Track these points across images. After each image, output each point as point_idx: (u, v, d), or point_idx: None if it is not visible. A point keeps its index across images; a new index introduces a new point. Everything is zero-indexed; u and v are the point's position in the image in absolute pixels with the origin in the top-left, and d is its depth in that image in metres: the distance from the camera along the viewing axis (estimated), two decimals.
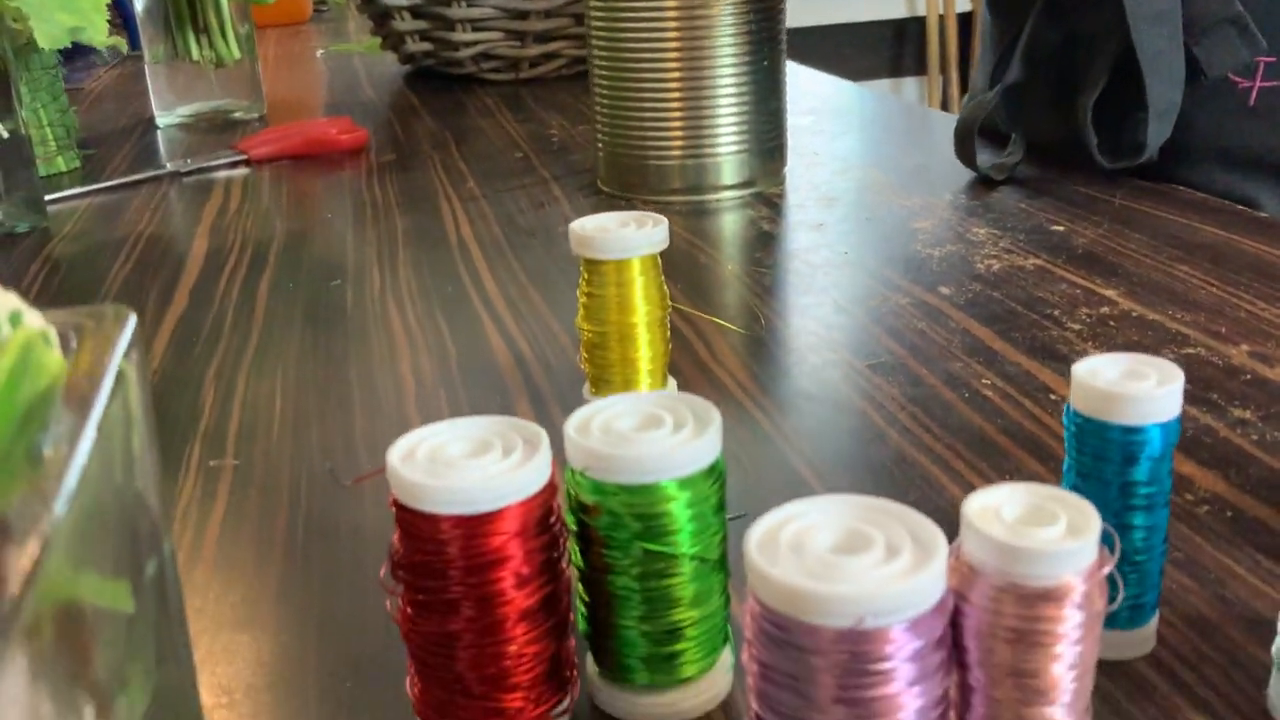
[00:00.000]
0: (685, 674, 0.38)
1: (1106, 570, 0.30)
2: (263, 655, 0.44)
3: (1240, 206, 0.91)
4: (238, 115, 1.51)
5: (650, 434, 0.37)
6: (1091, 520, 0.30)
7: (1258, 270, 0.77)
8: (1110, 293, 0.75)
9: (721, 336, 0.73)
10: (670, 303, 0.61)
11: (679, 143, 1.03)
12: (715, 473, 0.37)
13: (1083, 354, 0.66)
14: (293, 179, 1.21)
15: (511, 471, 0.35)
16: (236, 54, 1.48)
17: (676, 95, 1.01)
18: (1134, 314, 0.71)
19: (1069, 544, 0.30)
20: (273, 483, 0.56)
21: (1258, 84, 0.92)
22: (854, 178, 1.09)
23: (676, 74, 1.00)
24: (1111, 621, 0.40)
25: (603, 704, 0.39)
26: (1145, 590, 0.40)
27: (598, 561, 0.37)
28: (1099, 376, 0.38)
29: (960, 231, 0.92)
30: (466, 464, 0.36)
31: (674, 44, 1.00)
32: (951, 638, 0.31)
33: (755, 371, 0.68)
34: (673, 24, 0.99)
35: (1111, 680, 0.39)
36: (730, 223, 0.99)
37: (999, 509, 0.31)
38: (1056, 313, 0.72)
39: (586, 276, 0.59)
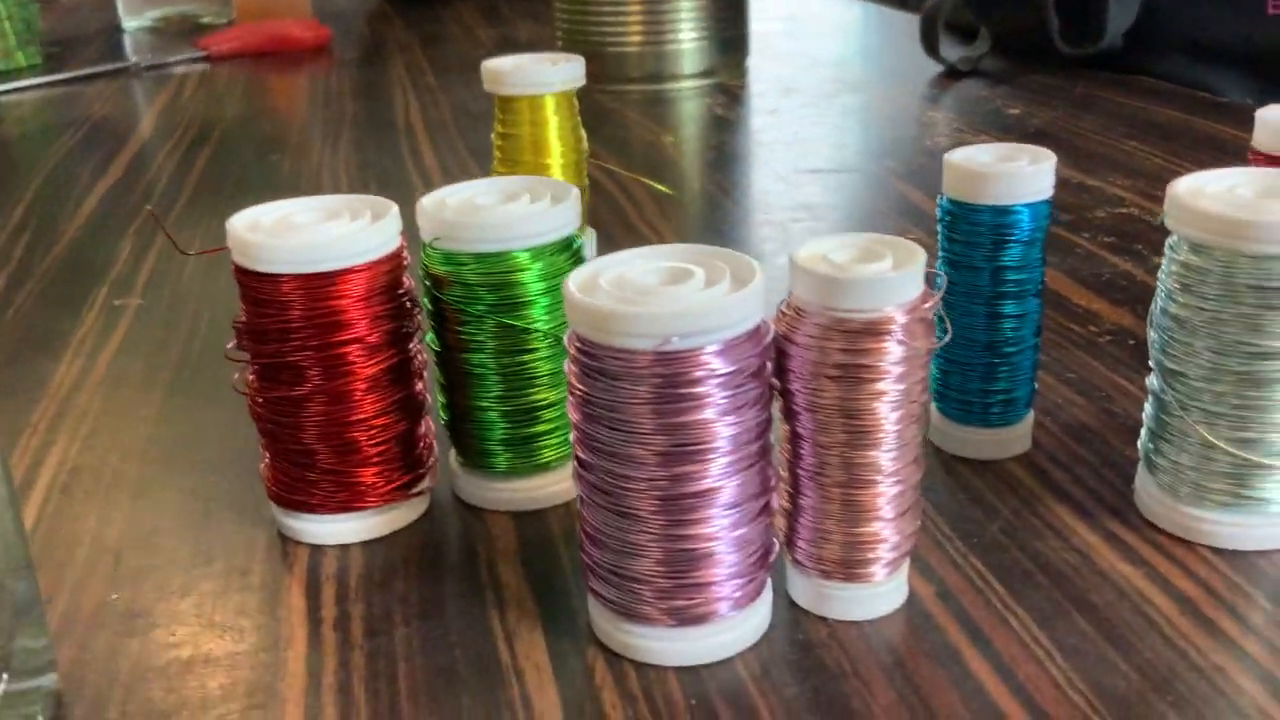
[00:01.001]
0: (544, 459, 0.38)
1: (930, 306, 0.29)
2: (132, 446, 0.43)
3: (1201, 93, 0.89)
4: (206, 20, 1.49)
5: (504, 206, 0.36)
6: (915, 256, 0.29)
7: (1208, 145, 0.76)
8: None
9: (652, 201, 0.71)
10: (587, 147, 0.60)
11: (637, 30, 1.01)
12: (570, 248, 0.36)
13: None
14: (251, 73, 1.20)
15: (355, 234, 0.34)
16: None
17: None
18: (1074, 180, 0.70)
19: (888, 276, 0.28)
20: (174, 319, 0.55)
21: None
22: (819, 74, 1.07)
23: None
24: (984, 418, 0.39)
25: (463, 493, 0.39)
26: (1017, 385, 0.39)
27: (453, 339, 0.36)
28: (972, 160, 0.37)
29: (917, 116, 0.90)
30: (311, 228, 0.35)
31: None
32: (781, 385, 0.30)
33: (680, 228, 0.67)
34: None
35: (979, 476, 0.38)
36: (687, 109, 0.97)
37: (827, 253, 0.30)
38: None
39: (500, 116, 0.58)
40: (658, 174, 0.79)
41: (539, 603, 0.33)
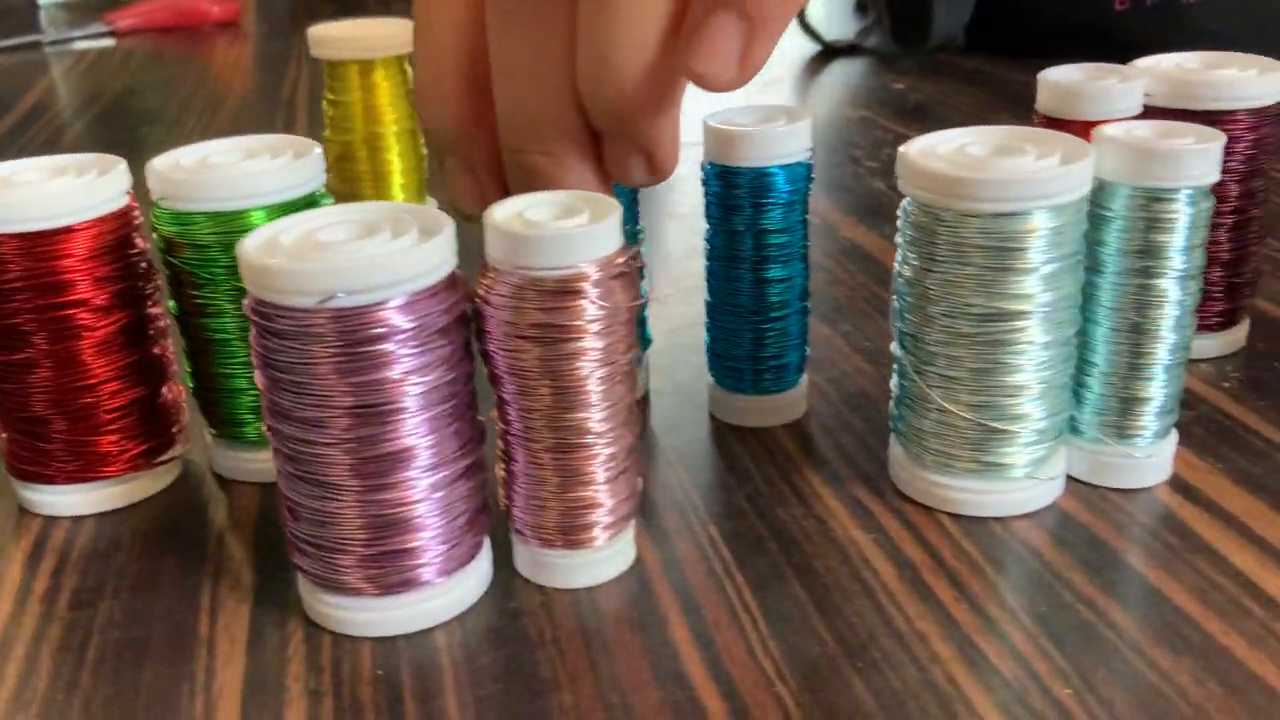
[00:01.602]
0: None
1: (623, 261, 0.28)
2: None
3: None
4: None
5: (239, 163, 0.35)
6: (610, 209, 0.28)
7: None
8: None
9: None
10: None
11: None
12: (312, 206, 0.35)
13: (867, 188, 0.64)
14: (154, 47, 1.18)
15: (71, 191, 0.33)
16: None
17: None
18: None
19: (578, 231, 0.28)
20: None
21: None
22: None
23: None
24: (756, 385, 0.38)
25: (215, 464, 0.38)
26: (786, 351, 0.38)
27: (190, 304, 0.35)
28: (729, 123, 0.36)
29: (801, 94, 0.89)
30: (30, 186, 0.34)
31: None
32: (482, 348, 0.29)
33: None
34: None
35: (744, 444, 0.37)
36: None
37: (523, 212, 0.29)
38: (859, 154, 0.70)
39: (329, 83, 0.57)
40: None
41: (259, 574, 0.32)
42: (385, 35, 0.56)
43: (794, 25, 0.99)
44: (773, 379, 0.38)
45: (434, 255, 0.27)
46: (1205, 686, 0.26)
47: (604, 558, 0.31)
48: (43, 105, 0.93)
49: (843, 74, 0.93)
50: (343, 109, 0.57)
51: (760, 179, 0.36)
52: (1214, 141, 0.31)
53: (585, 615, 0.30)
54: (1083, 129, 0.37)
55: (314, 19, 1.38)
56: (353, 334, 0.27)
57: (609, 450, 0.30)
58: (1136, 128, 0.33)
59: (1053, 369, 0.32)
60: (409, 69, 0.58)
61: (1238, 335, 0.42)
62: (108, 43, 1.21)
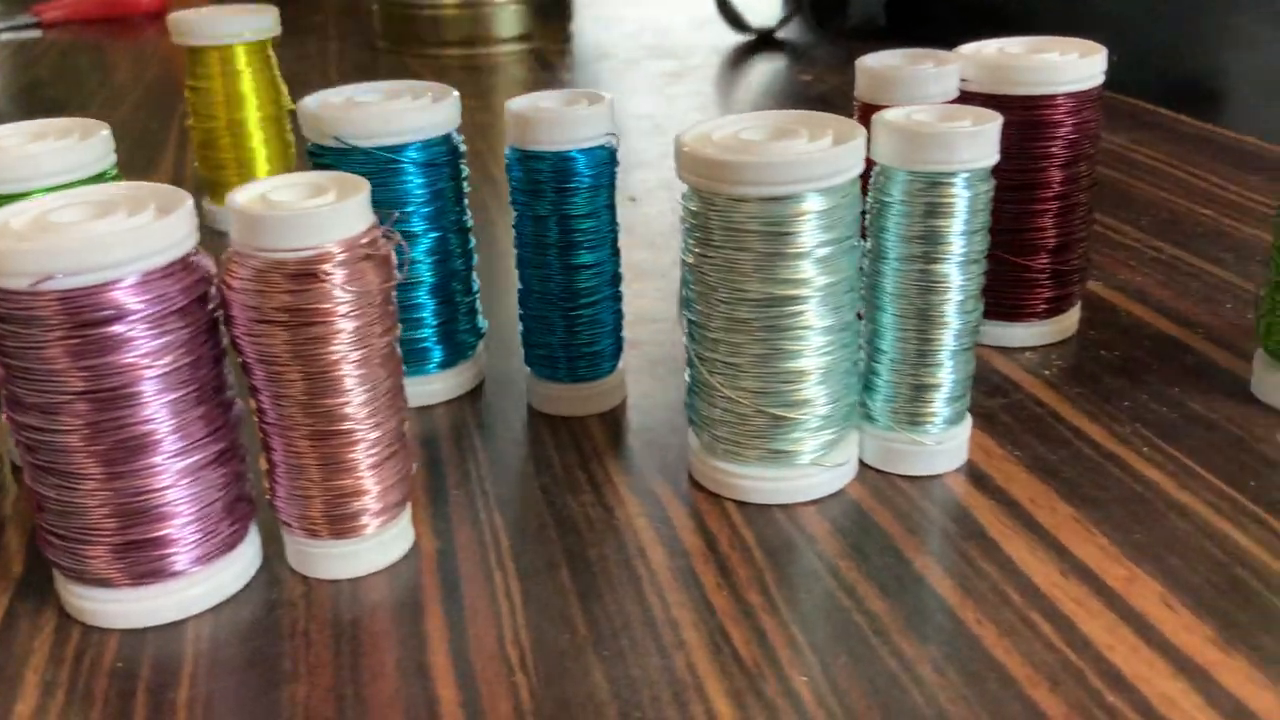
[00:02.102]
0: None
1: (371, 240, 0.28)
2: None
3: None
4: None
5: (24, 147, 0.34)
6: (357, 188, 0.28)
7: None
8: None
9: None
10: (289, 101, 0.58)
11: None
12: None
13: None
14: (78, 39, 1.16)
15: None
16: None
17: None
18: None
19: (321, 210, 0.27)
20: None
21: None
22: (644, 42, 1.05)
23: None
24: (571, 373, 0.38)
25: (15, 456, 0.37)
26: (599, 338, 0.37)
27: None
28: (529, 107, 0.36)
29: (721, 85, 0.89)
30: None
31: None
32: (231, 335, 0.29)
33: None
34: None
35: (553, 432, 0.37)
36: (498, 74, 0.96)
37: (268, 193, 0.28)
38: None
39: (190, 69, 0.56)
40: None
41: (29, 565, 0.31)
42: (245, 21, 0.55)
43: (715, 13, 0.99)
44: (587, 367, 0.38)
45: (165, 234, 0.27)
46: (944, 675, 0.26)
47: (372, 547, 0.31)
48: None
49: (762, 65, 0.92)
50: (204, 95, 0.56)
51: (561, 163, 0.35)
52: (990, 123, 0.31)
53: (344, 606, 0.29)
54: None
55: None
56: (80, 316, 0.26)
57: (372, 436, 0.29)
58: (917, 112, 0.32)
59: (834, 354, 0.32)
60: (272, 54, 0.58)
61: (1067, 323, 0.42)
62: (34, 34, 1.19)
